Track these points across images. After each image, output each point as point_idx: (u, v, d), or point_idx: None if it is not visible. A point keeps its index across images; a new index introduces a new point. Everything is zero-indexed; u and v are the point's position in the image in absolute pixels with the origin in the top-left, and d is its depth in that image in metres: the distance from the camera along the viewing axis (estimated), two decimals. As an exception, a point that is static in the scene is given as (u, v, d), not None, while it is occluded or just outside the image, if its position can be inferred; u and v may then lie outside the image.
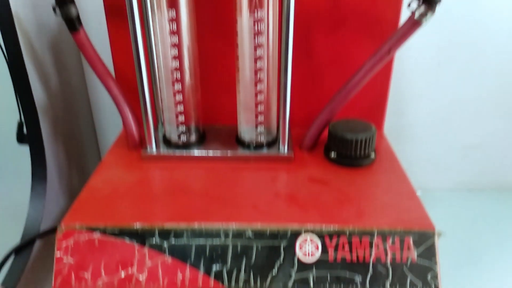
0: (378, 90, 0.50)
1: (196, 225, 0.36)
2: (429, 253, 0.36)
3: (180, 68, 0.43)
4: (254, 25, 0.40)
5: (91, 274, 0.35)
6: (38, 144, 0.53)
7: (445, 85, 0.69)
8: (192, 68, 0.44)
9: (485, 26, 0.64)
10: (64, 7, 0.43)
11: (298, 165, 0.45)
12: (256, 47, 0.41)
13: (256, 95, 0.43)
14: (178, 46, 0.42)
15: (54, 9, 0.43)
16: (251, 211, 0.38)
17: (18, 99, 0.50)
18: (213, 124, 0.51)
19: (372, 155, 0.45)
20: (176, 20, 0.40)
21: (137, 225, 0.36)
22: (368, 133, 0.44)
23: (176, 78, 0.43)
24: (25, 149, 0.53)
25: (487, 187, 0.77)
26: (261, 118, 0.45)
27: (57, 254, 0.35)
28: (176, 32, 0.41)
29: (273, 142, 0.47)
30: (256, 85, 0.43)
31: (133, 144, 0.48)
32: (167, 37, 0.41)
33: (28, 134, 0.53)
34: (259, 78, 0.43)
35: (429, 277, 0.35)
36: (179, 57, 0.42)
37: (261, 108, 0.44)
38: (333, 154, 0.45)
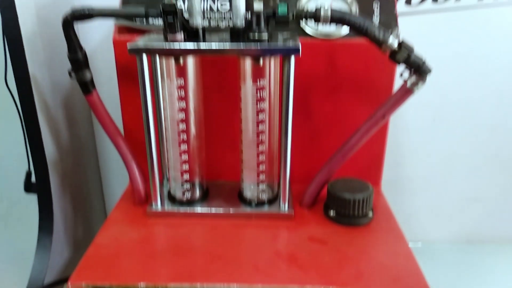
0: (374, 150, 0.52)
1: (198, 286, 0.37)
2: (426, 316, 0.36)
3: (187, 130, 0.45)
4: (256, 92, 0.43)
5: (95, 334, 0.36)
6: (46, 196, 0.55)
7: (441, 139, 0.71)
8: (198, 130, 0.46)
9: (479, 84, 0.67)
10: (79, 72, 0.46)
11: (298, 223, 0.47)
12: (258, 112, 0.44)
13: (258, 155, 0.46)
14: (185, 110, 0.44)
15: (69, 74, 0.47)
16: (252, 271, 0.39)
17: (28, 150, 0.53)
18: (216, 180, 0.53)
19: (370, 214, 0.47)
20: (184, 87, 0.43)
21: (141, 285, 0.37)
22: (365, 193, 0.46)
23: (183, 139, 0.45)
24: (31, 198, 0.55)
25: (487, 240, 0.78)
26: (262, 177, 0.47)
27: (63, 313, 0.36)
28: (184, 98, 0.44)
29: (274, 199, 0.49)
30: (258, 146, 0.45)
31: (139, 200, 0.49)
32: (175, 102, 0.44)
33: (37, 186, 0.55)
34: (261, 139, 0.45)
35: None
36: (185, 120, 0.45)
37: (262, 167, 0.46)
38: (332, 213, 0.47)
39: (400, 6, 0.63)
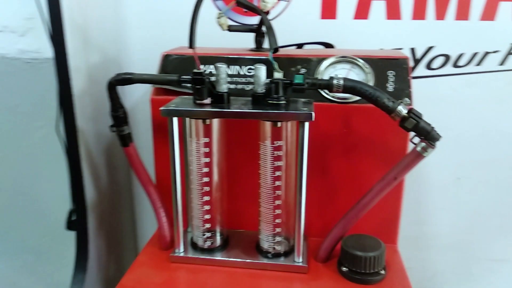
0: (390, 208, 0.54)
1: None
2: None
3: (210, 183, 0.49)
4: (274, 151, 0.47)
5: None
6: (83, 235, 0.60)
7: (465, 198, 0.71)
8: (220, 182, 0.51)
9: (503, 143, 0.68)
10: (119, 128, 0.52)
11: (311, 276, 0.49)
12: (275, 169, 0.47)
13: (274, 209, 0.49)
14: (209, 165, 0.49)
15: (110, 128, 0.53)
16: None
17: (71, 192, 0.59)
18: (236, 229, 0.56)
19: (382, 272, 0.48)
20: (209, 144, 0.48)
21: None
22: (377, 252, 0.47)
23: (205, 191, 0.49)
24: (70, 236, 0.60)
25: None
26: (278, 229, 0.50)
27: None
28: (209, 154, 0.48)
29: (290, 252, 0.51)
30: (274, 201, 0.49)
31: (165, 246, 0.53)
32: (201, 157, 0.48)
33: (76, 225, 0.60)
34: (277, 195, 0.48)
35: None
36: (209, 174, 0.49)
37: (278, 220, 0.49)
38: (344, 269, 0.49)
39: (421, 70, 0.66)
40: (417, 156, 0.46)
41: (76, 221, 0.61)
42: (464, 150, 0.69)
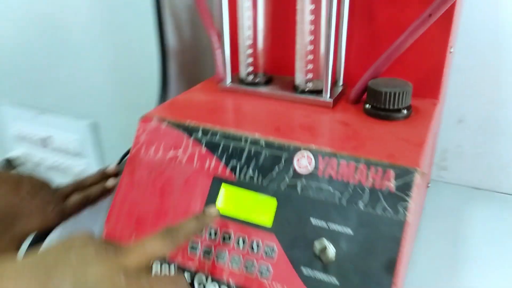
0: (434, 57, 0.52)
1: (225, 129, 0.48)
2: (407, 187, 0.39)
3: (253, 27, 0.55)
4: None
5: (154, 150, 0.50)
6: (164, 81, 0.72)
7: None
8: (264, 20, 0.55)
9: None
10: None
11: (336, 111, 0.52)
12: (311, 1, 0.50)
13: (307, 45, 0.52)
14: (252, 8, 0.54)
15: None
16: (272, 130, 0.47)
17: (157, 41, 0.70)
18: (282, 75, 0.61)
19: (404, 112, 0.49)
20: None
21: (188, 122, 0.49)
22: (401, 89, 0.48)
23: (249, 25, 0.55)
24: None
25: None
26: (310, 66, 0.53)
27: (137, 132, 0.51)
28: None
29: (322, 91, 0.55)
30: (309, 35, 0.52)
31: (219, 81, 0.61)
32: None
33: (160, 71, 0.72)
34: (312, 29, 0.51)
35: (401, 206, 0.39)
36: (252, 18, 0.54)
37: (310, 57, 0.53)
38: (368, 106, 0.51)
39: None
40: (453, -12, 0.43)
41: (160, 66, 0.72)
42: None
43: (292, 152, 0.44)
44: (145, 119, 0.52)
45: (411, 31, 0.47)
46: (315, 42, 0.52)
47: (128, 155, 0.52)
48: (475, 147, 0.71)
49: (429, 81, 0.54)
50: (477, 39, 0.64)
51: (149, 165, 0.50)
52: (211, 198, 0.46)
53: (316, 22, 0.51)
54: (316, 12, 0.50)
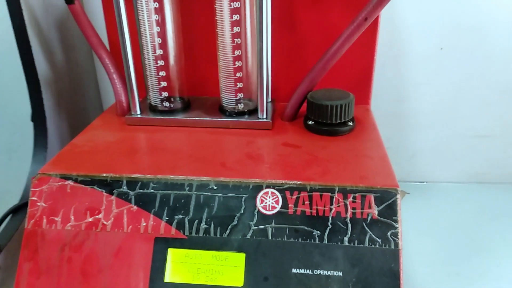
0: (363, 62, 0.50)
1: (161, 177, 0.37)
2: (391, 211, 0.35)
3: (163, 45, 0.45)
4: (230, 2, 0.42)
5: (61, 218, 0.37)
6: (40, 115, 0.57)
7: (449, 70, 0.67)
8: (176, 45, 0.46)
9: (491, 8, 0.63)
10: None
11: (276, 132, 0.46)
12: (233, 24, 0.43)
13: (234, 61, 0.45)
14: (161, 24, 0.44)
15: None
16: (218, 168, 0.39)
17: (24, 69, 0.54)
18: (199, 95, 0.53)
19: (350, 124, 0.45)
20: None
21: (107, 175, 0.38)
22: (345, 100, 0.44)
23: (158, 43, 0.45)
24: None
25: (498, 181, 0.74)
26: (240, 84, 0.46)
27: (32, 198, 0.38)
28: (159, 11, 0.43)
29: (254, 111, 0.48)
30: (234, 51, 0.44)
31: (122, 112, 0.50)
32: (151, 14, 0.43)
33: (31, 105, 0.56)
34: (236, 43, 0.44)
35: (389, 234, 0.35)
36: (161, 35, 0.44)
37: (239, 74, 0.45)
38: (310, 122, 0.46)
39: None
40: (389, -11, 0.41)
41: (31, 100, 0.57)
42: (449, 16, 0.64)
43: (252, 191, 0.37)
44: (41, 179, 0.38)
45: (346, 36, 0.43)
46: (242, 58, 0.45)
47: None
48: (384, 142, 0.73)
49: (360, 87, 0.51)
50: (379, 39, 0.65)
51: (59, 240, 0.37)
52: (157, 268, 0.36)
53: (241, 34, 0.44)
54: (241, 23, 0.43)
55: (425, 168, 0.75)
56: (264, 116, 0.46)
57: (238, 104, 0.47)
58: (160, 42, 0.45)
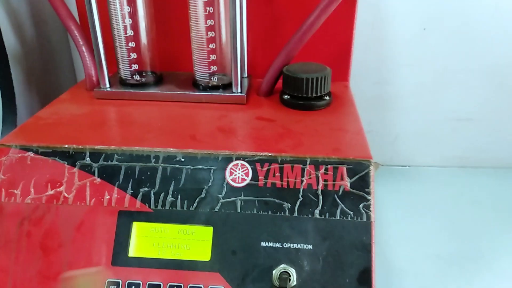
0: (341, 38, 0.49)
1: (126, 148, 0.36)
2: (364, 183, 0.34)
3: (131, 3, 0.43)
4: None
5: (20, 191, 0.35)
6: (9, 91, 0.55)
7: (431, 52, 0.66)
8: (144, 4, 0.44)
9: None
10: None
11: (250, 106, 0.45)
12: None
13: (206, 31, 0.43)
14: None
15: None
16: (187, 140, 0.37)
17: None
18: (172, 71, 0.51)
19: (326, 98, 0.44)
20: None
21: (69, 146, 0.36)
22: (321, 73, 0.43)
23: (127, 12, 0.43)
24: None
25: (480, 165, 0.74)
26: (213, 57, 0.44)
27: (-10, 170, 0.36)
28: None
29: (229, 86, 0.46)
30: (206, 20, 0.43)
31: (91, 85, 0.48)
32: None
33: (2, 83, 0.54)
34: (209, 12, 0.42)
35: (361, 206, 0.34)
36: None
37: (212, 45, 0.44)
38: (286, 96, 0.44)
39: None
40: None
41: (1, 75, 0.54)
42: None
43: (222, 163, 0.35)
44: (0, 150, 0.36)
45: (322, 8, 0.42)
46: (215, 28, 0.43)
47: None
48: (366, 125, 0.72)
49: (338, 63, 0.50)
50: (359, 20, 0.63)
51: (18, 213, 0.35)
52: (120, 243, 0.34)
53: (214, 4, 0.42)
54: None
55: (407, 152, 0.74)
56: (239, 91, 0.45)
57: (212, 78, 0.45)
58: (129, 11, 0.43)
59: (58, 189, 0.35)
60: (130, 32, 0.44)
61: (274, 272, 0.32)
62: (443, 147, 0.73)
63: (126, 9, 0.43)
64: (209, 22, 0.43)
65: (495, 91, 0.68)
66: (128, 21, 0.43)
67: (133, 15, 0.43)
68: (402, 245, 0.54)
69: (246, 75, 0.49)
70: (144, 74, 0.47)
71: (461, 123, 0.71)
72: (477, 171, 0.73)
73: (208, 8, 0.42)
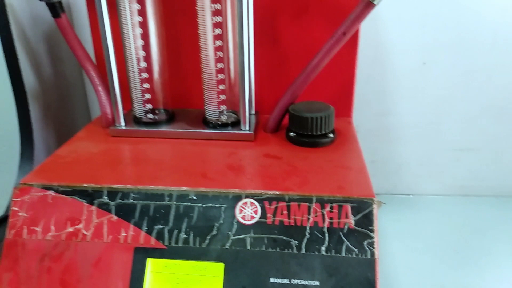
0: (344, 76, 0.51)
1: (142, 187, 0.38)
2: (367, 220, 0.36)
3: (146, 48, 0.46)
4: (212, 16, 0.43)
5: (42, 228, 0.37)
6: (27, 127, 0.57)
7: (432, 85, 0.69)
8: (160, 58, 0.47)
9: (473, 24, 0.64)
10: (47, -6, 0.47)
11: (258, 144, 0.47)
12: (215, 38, 0.44)
13: (216, 74, 0.46)
14: (145, 37, 0.45)
15: (38, -4, 0.48)
16: (199, 178, 0.39)
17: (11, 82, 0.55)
18: (184, 108, 0.53)
19: (331, 135, 0.46)
20: (143, 13, 0.44)
21: (88, 185, 0.38)
22: (325, 112, 0.45)
23: (142, 56, 0.46)
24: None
25: (482, 193, 0.75)
26: (222, 97, 0.47)
27: (13, 208, 0.38)
28: (143, 25, 0.44)
29: (237, 123, 0.49)
30: (216, 64, 0.45)
31: (107, 123, 0.50)
32: (135, 27, 0.44)
33: (18, 117, 0.57)
34: (219, 56, 0.45)
35: (365, 243, 0.35)
36: (146, 48, 0.45)
37: (222, 87, 0.46)
38: (292, 134, 0.46)
39: None
40: (367, 5, 0.42)
41: (17, 110, 0.57)
42: (431, 32, 0.65)
43: (232, 201, 0.37)
44: (22, 189, 0.38)
45: (326, 50, 0.45)
46: (224, 70, 0.46)
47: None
48: (370, 155, 0.74)
49: (341, 100, 0.52)
50: (361, 55, 0.66)
51: (39, 250, 0.37)
52: (136, 278, 0.36)
53: (223, 48, 0.45)
54: (223, 37, 0.44)
55: (411, 181, 0.76)
56: (247, 128, 0.47)
57: (221, 116, 0.48)
58: (144, 55, 0.46)
59: (77, 226, 0.37)
60: (144, 75, 0.46)
61: (282, 307, 0.34)
62: (445, 176, 0.75)
63: (141, 53, 0.45)
64: (219, 65, 0.45)
65: (495, 121, 0.70)
66: (143, 64, 0.46)
67: (147, 58, 0.46)
68: (405, 274, 0.55)
69: (253, 111, 0.51)
70: (157, 111, 0.49)
71: (463, 153, 0.73)
72: (479, 200, 0.74)
73: (218, 52, 0.45)
